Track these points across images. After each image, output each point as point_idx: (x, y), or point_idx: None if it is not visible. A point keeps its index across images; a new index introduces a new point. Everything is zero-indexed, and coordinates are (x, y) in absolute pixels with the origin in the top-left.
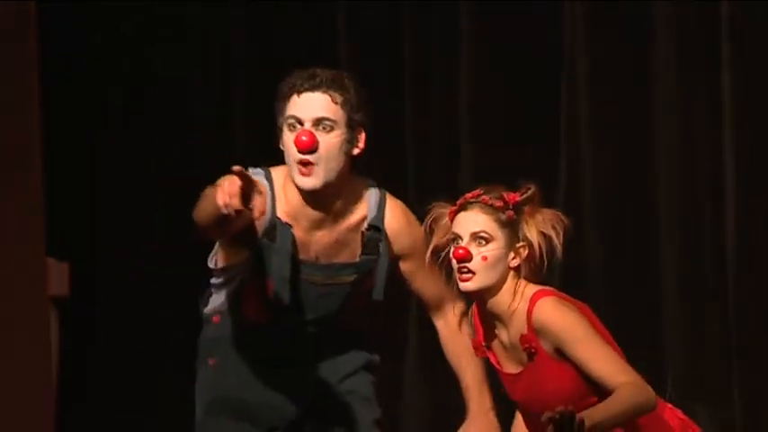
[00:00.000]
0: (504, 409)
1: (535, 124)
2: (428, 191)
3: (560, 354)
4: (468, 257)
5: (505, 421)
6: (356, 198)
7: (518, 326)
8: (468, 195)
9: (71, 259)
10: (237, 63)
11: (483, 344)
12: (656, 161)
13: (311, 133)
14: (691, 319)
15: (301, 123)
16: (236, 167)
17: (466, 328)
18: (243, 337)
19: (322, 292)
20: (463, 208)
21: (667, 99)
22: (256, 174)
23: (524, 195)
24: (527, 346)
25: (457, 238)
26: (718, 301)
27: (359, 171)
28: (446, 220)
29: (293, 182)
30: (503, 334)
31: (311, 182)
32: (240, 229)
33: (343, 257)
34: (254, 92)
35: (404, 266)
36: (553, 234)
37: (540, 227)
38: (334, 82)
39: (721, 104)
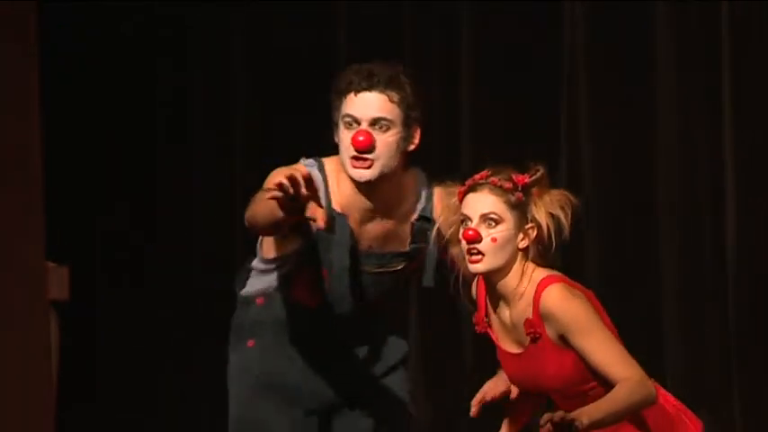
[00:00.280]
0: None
1: (535, 124)
2: None
3: (563, 341)
4: (477, 239)
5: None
6: (407, 190)
7: (523, 308)
8: (477, 177)
9: (71, 263)
10: (238, 63)
11: (485, 319)
12: (656, 161)
13: (368, 133)
14: (691, 319)
15: (358, 123)
16: (304, 173)
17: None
18: (289, 320)
19: (373, 280)
20: (472, 189)
21: (667, 99)
22: (309, 165)
23: (533, 177)
24: (531, 330)
25: (466, 219)
26: (718, 301)
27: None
28: (454, 199)
29: (347, 174)
30: (505, 313)
31: (367, 174)
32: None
33: (393, 246)
34: (254, 92)
35: (454, 252)
36: (561, 215)
37: (549, 208)
38: (391, 81)
39: (721, 104)
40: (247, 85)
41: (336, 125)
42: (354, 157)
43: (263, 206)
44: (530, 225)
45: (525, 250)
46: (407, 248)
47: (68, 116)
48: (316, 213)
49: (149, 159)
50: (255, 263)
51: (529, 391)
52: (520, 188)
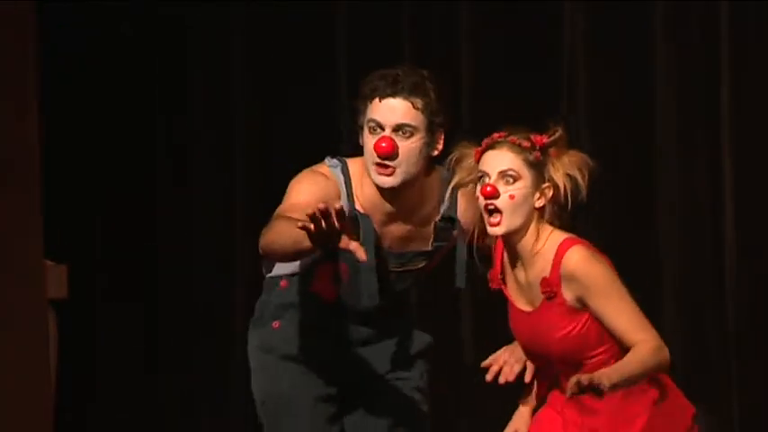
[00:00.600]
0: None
1: (535, 124)
2: None
3: (580, 303)
4: (495, 194)
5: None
6: (430, 191)
7: (540, 268)
8: (496, 135)
9: (69, 261)
10: (238, 63)
11: (500, 276)
12: (655, 161)
13: (391, 140)
14: (690, 320)
15: (382, 128)
16: (337, 206)
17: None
18: (310, 310)
19: (395, 278)
20: (490, 147)
21: (667, 98)
22: (333, 165)
23: (552, 137)
24: (547, 289)
25: (484, 175)
26: (718, 302)
27: None
28: (470, 160)
29: (371, 178)
30: (520, 272)
31: (390, 181)
32: None
33: (416, 246)
34: (253, 92)
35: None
36: (578, 176)
37: (567, 169)
38: (415, 87)
39: (720, 104)
40: (248, 85)
41: (361, 129)
42: (378, 164)
43: (285, 235)
44: (546, 185)
45: (541, 210)
46: (430, 248)
47: (68, 115)
48: (351, 246)
49: (149, 159)
50: None
51: (533, 352)
52: (538, 148)
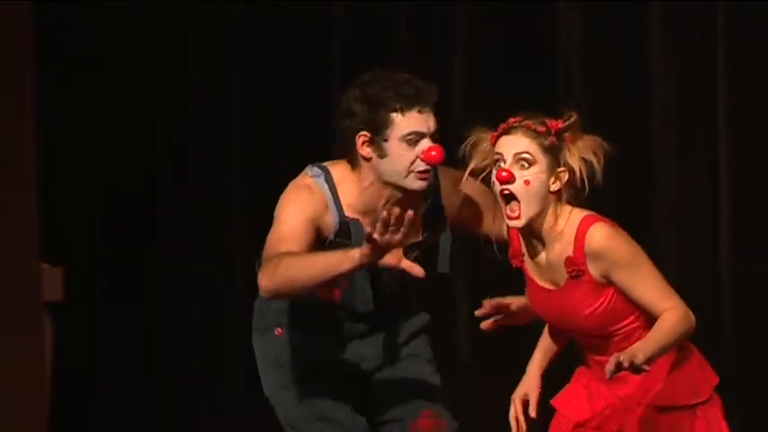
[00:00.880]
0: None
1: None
2: None
3: (605, 278)
4: (511, 179)
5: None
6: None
7: (562, 247)
8: (511, 120)
9: (69, 261)
10: (238, 64)
11: (521, 252)
12: (653, 161)
13: (441, 149)
14: None
15: (423, 137)
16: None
17: None
18: (311, 312)
19: (391, 276)
20: (506, 132)
21: (664, 99)
22: (316, 175)
23: (566, 122)
24: (573, 268)
25: (500, 159)
26: (715, 302)
27: None
28: (486, 144)
29: (400, 185)
30: (540, 253)
31: (425, 184)
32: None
33: (410, 238)
34: (253, 92)
35: (473, 227)
36: (594, 159)
37: (582, 153)
38: (435, 97)
39: (718, 103)
40: (247, 85)
41: (384, 140)
42: (422, 171)
43: (310, 267)
44: (561, 169)
45: (557, 193)
46: (420, 238)
47: (68, 116)
48: (403, 264)
49: (149, 159)
50: None
51: (555, 326)
52: (553, 133)
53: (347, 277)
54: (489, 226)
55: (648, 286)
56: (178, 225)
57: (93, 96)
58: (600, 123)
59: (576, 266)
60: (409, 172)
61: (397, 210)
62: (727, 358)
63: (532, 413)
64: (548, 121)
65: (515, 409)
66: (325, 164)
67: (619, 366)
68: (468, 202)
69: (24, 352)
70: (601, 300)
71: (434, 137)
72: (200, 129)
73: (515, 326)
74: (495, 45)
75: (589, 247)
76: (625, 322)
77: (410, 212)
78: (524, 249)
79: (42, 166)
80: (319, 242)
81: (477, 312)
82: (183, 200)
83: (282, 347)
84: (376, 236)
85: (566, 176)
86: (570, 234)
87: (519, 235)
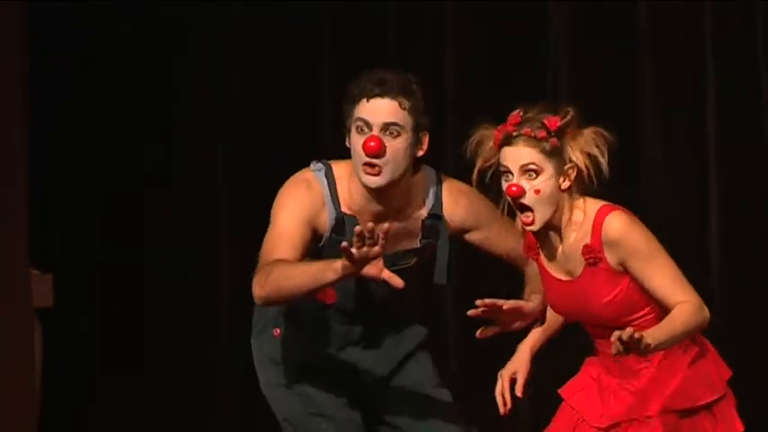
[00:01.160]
0: None
1: None
2: None
3: (621, 266)
4: (521, 194)
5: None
6: (416, 189)
7: (578, 236)
8: (510, 126)
9: (54, 271)
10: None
11: (537, 245)
12: (641, 160)
13: (379, 139)
14: None
15: (370, 127)
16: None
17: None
18: (309, 314)
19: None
20: (507, 142)
21: (652, 98)
22: (317, 169)
23: (564, 119)
24: (590, 256)
25: (507, 172)
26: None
27: None
28: (490, 143)
29: (359, 179)
30: (554, 244)
31: (377, 180)
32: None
33: (405, 245)
34: (253, 91)
35: (473, 238)
36: (598, 153)
37: (585, 147)
38: (403, 88)
39: (705, 100)
40: (248, 85)
41: (348, 130)
42: (366, 164)
43: (300, 275)
44: (569, 166)
45: (569, 189)
46: (418, 245)
47: (53, 126)
48: (383, 275)
49: (134, 166)
50: None
51: (570, 318)
52: (553, 133)
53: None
54: (496, 238)
55: (663, 277)
56: (163, 233)
57: (93, 96)
58: (588, 123)
59: (593, 254)
60: (360, 164)
61: (371, 224)
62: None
63: (519, 392)
64: (546, 121)
65: (502, 386)
66: (330, 161)
67: (622, 342)
68: (475, 215)
69: (15, 357)
70: (618, 288)
71: (393, 129)
72: (200, 130)
73: (509, 332)
74: (484, 45)
75: (606, 234)
76: (640, 313)
77: (385, 225)
78: (539, 242)
79: (43, 167)
80: (316, 240)
81: (470, 312)
82: (176, 202)
83: (278, 346)
84: (353, 250)
85: (574, 172)
86: (587, 223)
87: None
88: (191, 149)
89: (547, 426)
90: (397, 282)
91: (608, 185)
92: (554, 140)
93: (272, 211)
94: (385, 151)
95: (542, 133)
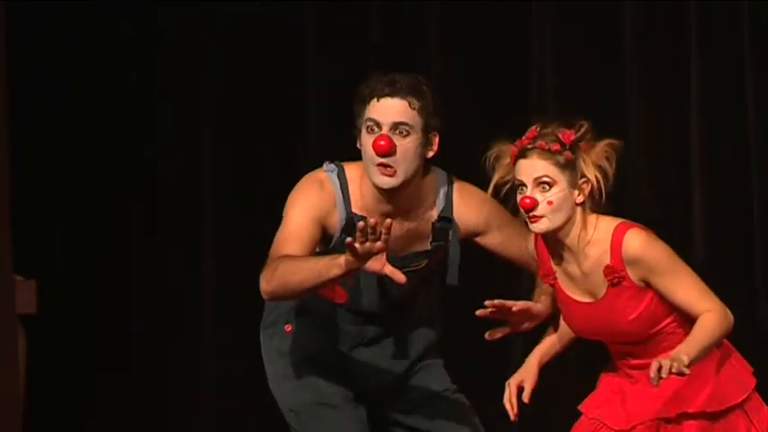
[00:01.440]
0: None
1: (505, 122)
2: None
3: (644, 282)
4: (534, 206)
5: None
6: (426, 192)
7: (597, 257)
8: (525, 140)
9: (39, 277)
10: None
11: (554, 270)
12: (626, 160)
13: (388, 138)
14: None
15: (380, 127)
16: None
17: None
18: (321, 311)
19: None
20: (522, 155)
21: (637, 95)
22: (330, 170)
23: (579, 133)
24: (614, 276)
25: (521, 185)
26: None
27: None
28: (507, 158)
29: (370, 180)
30: (572, 266)
31: (391, 181)
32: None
33: (416, 247)
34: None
35: (485, 242)
36: (608, 165)
37: (597, 161)
38: (412, 88)
39: (690, 99)
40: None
41: (359, 131)
42: (379, 164)
43: (305, 270)
44: (583, 180)
45: (582, 204)
46: (429, 247)
47: (35, 131)
48: (386, 270)
49: (119, 172)
50: None
51: (594, 338)
52: (567, 146)
53: (354, 277)
54: (508, 242)
55: (687, 288)
56: (147, 239)
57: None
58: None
59: (616, 274)
60: (373, 165)
61: (373, 220)
62: None
63: (525, 399)
64: (560, 135)
65: (510, 392)
66: (343, 162)
67: (662, 372)
68: (486, 218)
69: None
70: (643, 304)
71: (403, 129)
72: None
73: (519, 333)
74: (468, 43)
75: (626, 253)
76: (665, 322)
77: (389, 221)
78: (555, 267)
79: (20, 172)
80: (327, 239)
81: (479, 313)
82: (161, 206)
83: (288, 340)
84: (356, 244)
85: (588, 187)
86: (605, 243)
87: (548, 253)
88: (174, 151)
89: None
90: (400, 277)
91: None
92: (568, 154)
93: (285, 209)
94: (395, 150)
95: (556, 146)
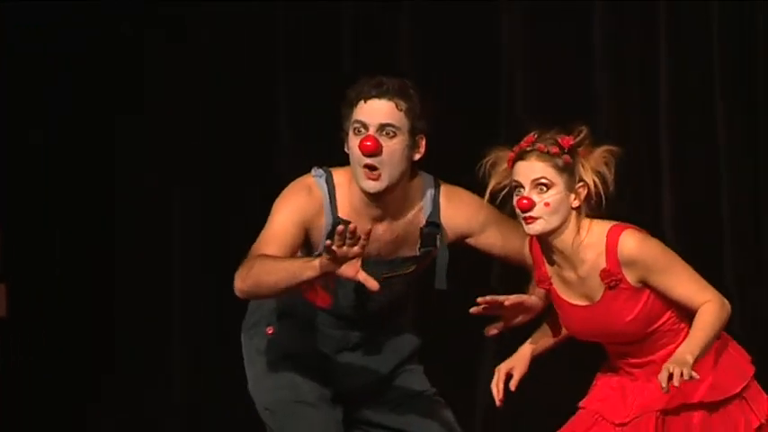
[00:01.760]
0: None
1: (474, 122)
2: None
3: (641, 283)
4: (531, 207)
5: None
6: (414, 195)
7: (592, 261)
8: (524, 144)
9: (8, 281)
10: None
11: (549, 275)
12: None
13: (375, 138)
14: None
15: (366, 128)
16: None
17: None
18: (303, 315)
19: (384, 284)
20: (520, 157)
21: (605, 94)
22: (318, 175)
23: (578, 138)
24: (610, 279)
25: (518, 186)
26: None
27: None
28: (504, 165)
29: (357, 184)
30: (566, 271)
31: (376, 185)
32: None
33: (404, 252)
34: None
35: (477, 243)
36: (606, 171)
37: (595, 166)
38: (399, 90)
39: (659, 96)
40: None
41: (346, 134)
42: (366, 166)
43: (280, 271)
44: (579, 185)
45: (578, 208)
46: (417, 253)
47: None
48: (359, 276)
49: (95, 176)
50: None
51: (592, 340)
52: (566, 150)
53: (336, 281)
54: (498, 241)
55: (685, 284)
56: (118, 242)
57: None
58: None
59: (612, 276)
60: (360, 166)
61: (353, 225)
62: None
63: (512, 387)
64: (560, 139)
65: (498, 378)
66: (331, 168)
67: (671, 379)
68: (475, 220)
69: None
70: (640, 304)
71: (390, 130)
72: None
73: (518, 326)
74: (438, 45)
75: (622, 255)
76: (662, 320)
77: (368, 227)
78: (550, 272)
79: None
80: (313, 244)
81: (473, 310)
82: (129, 211)
83: (267, 341)
84: (334, 247)
85: (584, 191)
86: (599, 246)
87: (543, 258)
88: (133, 156)
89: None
90: (372, 285)
91: None
92: (566, 157)
93: (271, 211)
94: (381, 151)
95: (555, 149)
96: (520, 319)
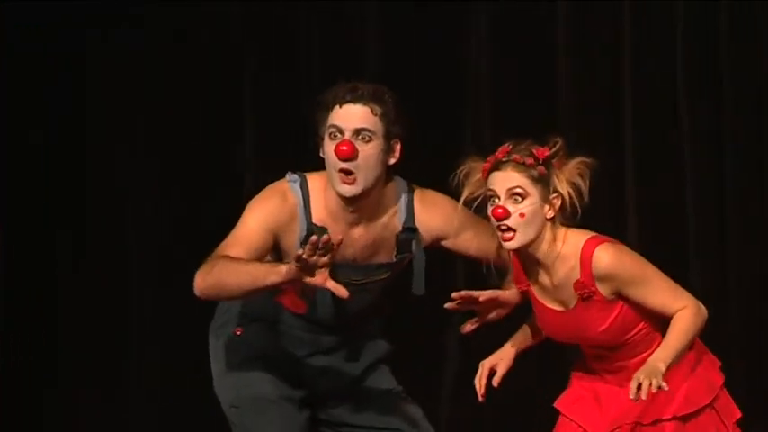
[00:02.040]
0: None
1: (440, 120)
2: None
3: (615, 295)
4: (506, 216)
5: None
6: (389, 200)
7: (566, 271)
8: (499, 154)
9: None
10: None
11: (526, 277)
12: None
13: (351, 143)
14: None
15: (342, 133)
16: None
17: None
18: (274, 318)
19: (359, 290)
20: (496, 167)
21: (569, 94)
22: (293, 181)
23: (553, 149)
24: (584, 291)
25: (494, 196)
26: None
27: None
28: (478, 174)
29: (333, 188)
30: (543, 277)
31: (351, 189)
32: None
33: (380, 258)
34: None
35: (453, 246)
36: (581, 182)
37: (570, 177)
38: (374, 95)
39: (623, 103)
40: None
41: (321, 139)
42: (341, 171)
43: (242, 274)
44: (554, 195)
45: (552, 219)
46: (393, 259)
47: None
48: (328, 284)
49: (69, 180)
50: None
51: (568, 342)
52: (541, 162)
53: (312, 288)
54: (473, 243)
55: (660, 293)
56: (93, 245)
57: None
58: (503, 125)
59: (585, 289)
60: (335, 171)
61: (326, 236)
62: None
63: (495, 383)
64: (535, 151)
65: (481, 373)
66: (306, 173)
67: (642, 388)
68: (449, 223)
69: None
70: (614, 315)
71: (365, 134)
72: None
73: (493, 322)
74: (406, 47)
75: (596, 270)
76: (635, 330)
77: (340, 237)
78: (527, 274)
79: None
80: (284, 250)
81: (448, 306)
82: (89, 216)
83: (235, 341)
84: (304, 256)
85: (558, 202)
86: (574, 257)
87: (520, 264)
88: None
89: None
90: (342, 292)
91: None
92: (541, 168)
93: (243, 213)
94: (357, 155)
95: (531, 160)
96: (495, 314)
